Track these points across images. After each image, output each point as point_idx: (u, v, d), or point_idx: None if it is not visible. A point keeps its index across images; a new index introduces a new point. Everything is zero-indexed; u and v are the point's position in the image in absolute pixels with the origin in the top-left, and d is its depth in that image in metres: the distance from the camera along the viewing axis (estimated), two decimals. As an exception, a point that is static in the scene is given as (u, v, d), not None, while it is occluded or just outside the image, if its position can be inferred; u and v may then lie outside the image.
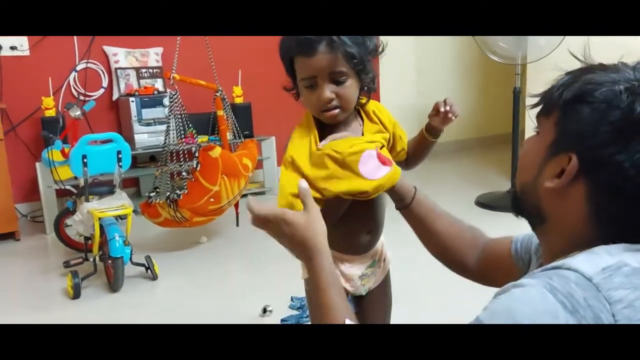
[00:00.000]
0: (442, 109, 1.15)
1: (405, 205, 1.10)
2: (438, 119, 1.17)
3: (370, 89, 1.12)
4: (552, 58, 3.25)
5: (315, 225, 0.90)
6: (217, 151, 2.67)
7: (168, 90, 2.84)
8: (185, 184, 2.69)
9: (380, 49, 1.10)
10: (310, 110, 1.09)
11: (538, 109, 0.76)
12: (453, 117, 1.16)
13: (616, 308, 0.59)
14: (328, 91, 1.03)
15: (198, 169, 2.65)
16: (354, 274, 1.21)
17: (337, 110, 1.06)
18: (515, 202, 0.81)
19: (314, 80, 1.03)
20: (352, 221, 1.14)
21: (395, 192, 1.11)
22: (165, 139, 2.88)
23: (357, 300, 1.27)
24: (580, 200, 0.69)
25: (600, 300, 0.59)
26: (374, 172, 1.06)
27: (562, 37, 3.10)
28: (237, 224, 3.09)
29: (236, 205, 2.99)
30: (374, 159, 1.06)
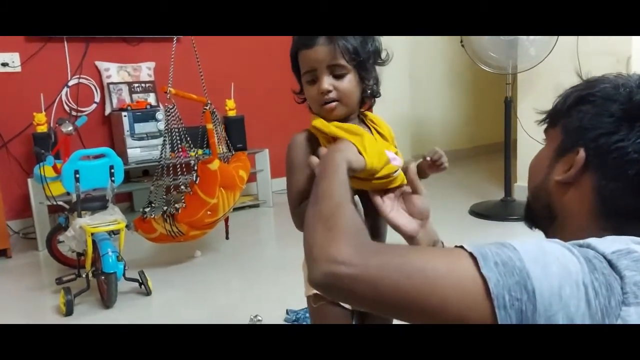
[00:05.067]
0: (428, 159, 1.13)
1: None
2: (426, 164, 1.14)
3: (373, 92, 1.14)
4: (542, 68, 3.28)
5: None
6: (215, 164, 2.66)
7: (165, 104, 2.84)
8: (183, 197, 2.68)
9: (384, 55, 1.14)
10: (312, 107, 1.11)
11: (545, 125, 0.82)
12: (442, 167, 1.14)
13: (625, 281, 0.62)
14: (327, 83, 1.06)
15: (197, 182, 2.64)
16: None
17: (335, 104, 1.07)
18: (528, 210, 0.85)
19: (314, 74, 1.07)
20: None
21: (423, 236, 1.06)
22: (162, 153, 2.87)
23: (360, 315, 1.27)
24: (587, 191, 0.74)
25: (612, 273, 0.63)
26: (392, 159, 1.05)
27: (552, 47, 3.13)
28: (227, 237, 3.07)
29: (226, 219, 2.97)
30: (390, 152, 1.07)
